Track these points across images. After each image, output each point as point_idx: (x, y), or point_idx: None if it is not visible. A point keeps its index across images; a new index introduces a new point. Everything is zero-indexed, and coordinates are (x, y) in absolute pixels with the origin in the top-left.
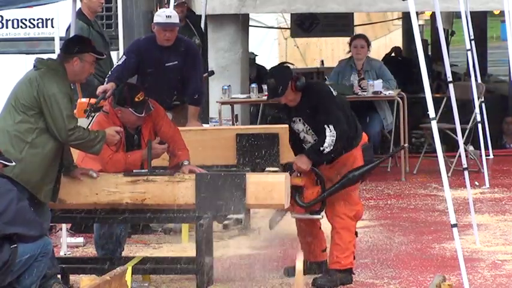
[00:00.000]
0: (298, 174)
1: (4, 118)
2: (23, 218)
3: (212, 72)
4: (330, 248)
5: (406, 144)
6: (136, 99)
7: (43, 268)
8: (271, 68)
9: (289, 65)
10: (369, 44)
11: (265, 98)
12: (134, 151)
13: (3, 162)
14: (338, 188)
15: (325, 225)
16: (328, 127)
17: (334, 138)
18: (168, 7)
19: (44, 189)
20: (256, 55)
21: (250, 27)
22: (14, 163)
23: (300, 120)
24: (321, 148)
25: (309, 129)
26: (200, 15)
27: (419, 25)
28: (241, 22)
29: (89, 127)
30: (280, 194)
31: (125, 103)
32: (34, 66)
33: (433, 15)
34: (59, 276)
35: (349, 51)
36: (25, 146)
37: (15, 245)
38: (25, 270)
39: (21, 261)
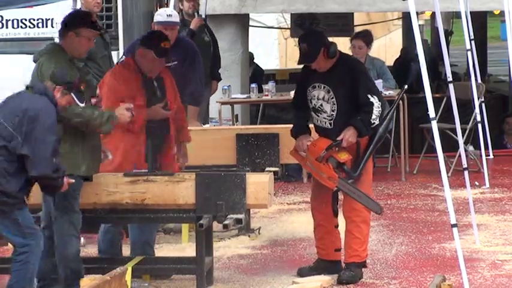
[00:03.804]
0: (336, 149)
1: None
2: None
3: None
4: (347, 241)
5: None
6: (162, 45)
7: (33, 270)
8: (306, 32)
9: (322, 30)
10: (368, 44)
11: (265, 97)
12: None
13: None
14: (373, 149)
15: (341, 227)
16: (372, 97)
17: (380, 110)
18: (168, 7)
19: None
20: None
21: (250, 27)
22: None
23: (324, 87)
24: (371, 120)
25: (332, 98)
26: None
27: (419, 25)
28: (241, 22)
29: (97, 92)
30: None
31: (150, 45)
32: (34, 61)
33: (433, 15)
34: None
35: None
36: None
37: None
38: (16, 270)
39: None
